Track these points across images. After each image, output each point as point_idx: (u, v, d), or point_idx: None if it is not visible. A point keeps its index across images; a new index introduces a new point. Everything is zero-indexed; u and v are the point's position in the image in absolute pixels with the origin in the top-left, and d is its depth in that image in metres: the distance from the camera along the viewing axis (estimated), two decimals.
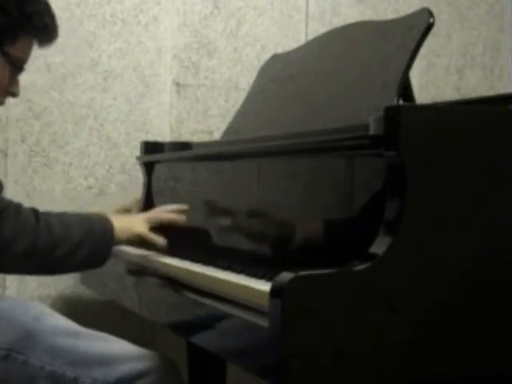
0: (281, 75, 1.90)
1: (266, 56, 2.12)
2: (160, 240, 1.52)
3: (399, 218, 1.08)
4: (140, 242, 1.52)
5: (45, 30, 1.46)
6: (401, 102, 1.47)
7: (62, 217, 1.43)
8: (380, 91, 1.46)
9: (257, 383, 1.29)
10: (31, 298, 2.10)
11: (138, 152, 2.09)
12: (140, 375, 1.40)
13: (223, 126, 2.11)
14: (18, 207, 1.38)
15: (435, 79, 2.64)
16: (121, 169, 2.22)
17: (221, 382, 2.08)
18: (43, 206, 1.55)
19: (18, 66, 1.46)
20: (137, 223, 1.51)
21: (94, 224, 1.43)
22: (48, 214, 1.41)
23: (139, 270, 1.61)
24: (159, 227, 1.54)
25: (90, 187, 2.18)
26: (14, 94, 1.50)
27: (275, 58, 2.02)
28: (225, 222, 1.56)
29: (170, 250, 1.61)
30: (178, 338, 1.99)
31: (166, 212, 1.57)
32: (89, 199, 2.17)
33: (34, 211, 1.40)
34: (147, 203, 1.98)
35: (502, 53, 2.75)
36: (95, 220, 1.45)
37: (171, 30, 2.29)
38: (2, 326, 1.42)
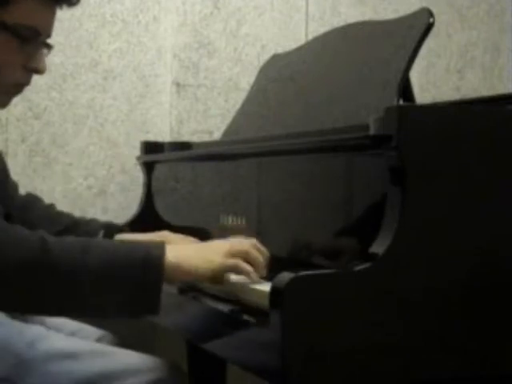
0: (281, 75, 1.90)
1: (266, 56, 2.11)
2: (251, 270, 1.18)
3: (399, 218, 1.08)
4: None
5: None
6: (401, 102, 1.47)
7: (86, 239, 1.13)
8: (380, 91, 1.46)
9: (257, 383, 1.29)
10: None
11: (138, 152, 2.09)
12: None
13: (223, 126, 2.11)
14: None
15: (435, 79, 2.63)
16: (121, 169, 2.22)
17: (221, 382, 2.07)
18: None
19: (23, 34, 1.24)
20: (215, 256, 1.15)
21: (133, 250, 1.07)
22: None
23: None
24: None
25: (89, 187, 2.18)
26: (38, 71, 1.30)
27: (275, 57, 2.02)
28: (225, 221, 1.56)
29: None
30: (178, 337, 1.99)
31: (250, 245, 1.21)
32: (89, 199, 2.17)
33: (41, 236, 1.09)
34: (147, 203, 1.98)
35: (502, 53, 2.74)
36: (140, 246, 1.09)
37: (171, 30, 2.29)
38: None
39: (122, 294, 1.06)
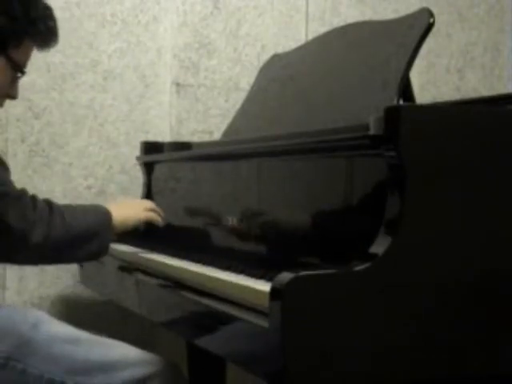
0: (281, 75, 1.90)
1: (266, 56, 2.12)
2: (160, 219, 1.69)
3: (399, 217, 1.08)
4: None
5: (48, 34, 1.48)
6: (401, 102, 1.47)
7: (70, 208, 1.51)
8: (380, 91, 1.46)
9: (257, 383, 1.29)
10: (31, 299, 2.10)
11: (138, 152, 2.09)
12: (141, 381, 1.38)
13: (223, 126, 2.11)
14: (33, 195, 1.44)
15: (435, 79, 2.64)
16: (121, 169, 2.22)
17: (221, 381, 2.08)
18: None
19: (20, 70, 1.48)
20: (135, 213, 1.63)
21: (98, 214, 1.53)
22: (58, 205, 1.48)
23: (139, 270, 1.62)
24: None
25: (89, 187, 2.18)
26: (13, 97, 1.52)
27: (275, 57, 2.02)
28: (225, 221, 1.56)
29: (170, 251, 1.61)
30: (178, 337, 1.99)
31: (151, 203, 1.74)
32: (89, 199, 2.17)
33: (47, 201, 1.46)
34: None
35: (502, 53, 2.75)
36: (98, 211, 1.55)
37: (171, 30, 2.29)
38: (1, 335, 1.39)
39: (91, 245, 1.49)
